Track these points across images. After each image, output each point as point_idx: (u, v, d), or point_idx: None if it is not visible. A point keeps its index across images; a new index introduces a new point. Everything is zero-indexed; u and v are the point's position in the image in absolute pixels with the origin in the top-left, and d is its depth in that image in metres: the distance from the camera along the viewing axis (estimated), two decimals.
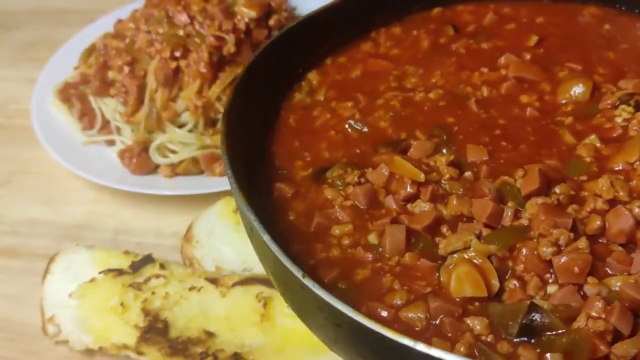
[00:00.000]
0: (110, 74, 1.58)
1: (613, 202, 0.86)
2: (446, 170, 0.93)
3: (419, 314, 0.78)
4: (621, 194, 0.86)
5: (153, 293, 1.20)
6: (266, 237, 0.80)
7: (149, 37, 1.53)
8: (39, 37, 2.04)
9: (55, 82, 1.68)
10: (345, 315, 0.72)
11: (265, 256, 0.86)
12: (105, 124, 1.59)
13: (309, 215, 0.93)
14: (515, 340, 0.76)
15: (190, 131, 1.51)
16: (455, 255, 0.83)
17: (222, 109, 1.49)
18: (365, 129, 1.04)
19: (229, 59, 1.52)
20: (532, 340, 0.75)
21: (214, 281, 1.21)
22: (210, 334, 1.15)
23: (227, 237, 1.31)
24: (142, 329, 1.16)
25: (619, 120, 0.98)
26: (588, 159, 0.93)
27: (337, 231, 0.90)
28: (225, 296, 1.19)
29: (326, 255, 0.87)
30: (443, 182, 0.92)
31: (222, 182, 1.46)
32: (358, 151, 1.01)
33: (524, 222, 0.85)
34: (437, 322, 0.78)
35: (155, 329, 1.16)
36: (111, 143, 1.58)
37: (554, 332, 0.75)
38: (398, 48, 1.20)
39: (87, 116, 1.61)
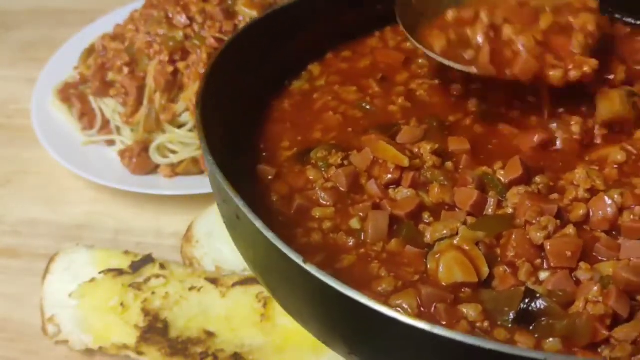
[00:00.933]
0: (110, 75, 1.58)
1: (591, 191, 0.87)
2: (429, 158, 0.93)
3: (409, 301, 0.77)
4: (598, 182, 0.87)
5: (153, 293, 1.20)
6: (259, 224, 0.77)
7: (148, 38, 1.53)
8: (39, 37, 2.04)
9: (55, 82, 1.68)
10: (354, 300, 0.69)
11: (253, 245, 0.84)
12: (105, 124, 1.59)
13: (290, 197, 0.92)
14: (511, 326, 0.75)
15: (190, 131, 1.51)
16: (442, 242, 0.82)
17: None
18: (373, 109, 1.04)
19: None
20: (530, 327, 0.75)
21: (214, 281, 1.21)
22: (210, 334, 1.15)
23: (227, 237, 1.30)
24: (142, 329, 1.16)
25: None
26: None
27: (317, 214, 0.89)
28: (225, 296, 1.19)
29: (307, 241, 0.86)
30: (425, 168, 0.92)
31: None
32: (350, 130, 1.01)
33: (508, 210, 0.86)
34: (431, 309, 0.77)
35: (155, 329, 1.16)
36: (111, 143, 1.58)
37: (550, 318, 0.75)
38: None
39: (87, 116, 1.61)
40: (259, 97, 1.08)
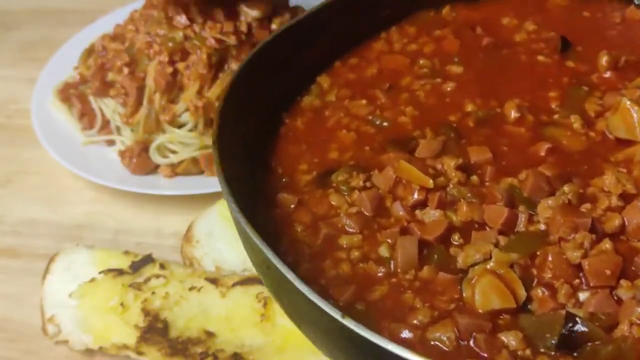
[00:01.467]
0: (110, 75, 1.58)
1: (624, 197, 0.84)
2: (454, 175, 0.89)
3: (447, 334, 0.74)
4: (628, 187, 0.84)
5: (153, 293, 1.20)
6: (292, 277, 0.73)
7: (147, 39, 1.53)
8: (39, 37, 2.04)
9: (55, 82, 1.68)
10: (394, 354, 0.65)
11: (286, 294, 0.79)
12: (105, 124, 1.59)
13: (315, 226, 0.88)
14: (554, 353, 0.72)
15: (190, 131, 1.51)
16: (476, 268, 0.79)
17: None
18: (385, 124, 1.01)
19: (230, 59, 1.52)
20: (575, 353, 0.72)
21: (214, 281, 1.21)
22: (210, 334, 1.15)
23: (227, 237, 1.31)
24: (142, 329, 1.16)
25: None
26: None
27: (345, 242, 0.86)
28: (225, 296, 1.19)
29: (336, 273, 0.83)
30: (451, 186, 0.88)
31: None
32: (367, 148, 0.98)
33: (540, 226, 0.83)
34: (470, 341, 0.74)
35: (155, 329, 1.16)
36: (111, 143, 1.58)
37: (594, 342, 0.72)
38: (416, 44, 1.17)
39: (87, 116, 1.61)
40: (272, 115, 1.06)
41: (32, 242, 1.45)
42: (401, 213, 0.87)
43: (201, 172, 1.51)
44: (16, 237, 1.47)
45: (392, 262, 0.83)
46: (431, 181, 0.88)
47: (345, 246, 0.86)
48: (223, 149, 0.88)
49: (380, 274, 0.82)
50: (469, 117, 1.01)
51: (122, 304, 1.19)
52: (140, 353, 1.14)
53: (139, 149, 1.50)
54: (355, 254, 0.84)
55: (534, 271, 0.79)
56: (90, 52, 1.70)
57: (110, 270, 1.24)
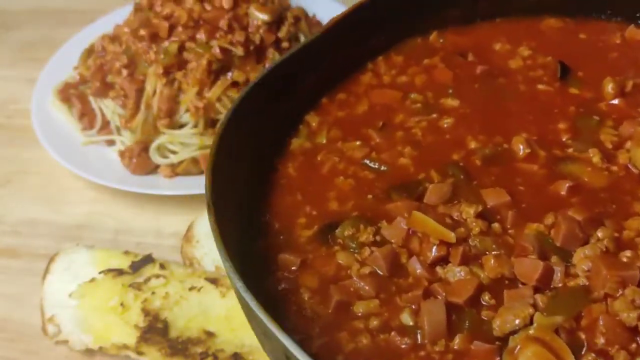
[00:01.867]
0: (110, 77, 1.58)
1: None
2: (475, 224, 0.82)
3: None
4: None
5: (153, 293, 1.20)
6: None
7: (143, 44, 1.52)
8: (39, 37, 2.03)
9: (56, 82, 1.68)
10: None
11: None
12: (105, 124, 1.59)
13: (324, 291, 0.79)
14: None
15: (190, 132, 1.51)
16: (517, 336, 0.72)
17: (222, 110, 1.49)
18: (384, 168, 0.94)
19: (233, 68, 1.50)
20: None
21: (214, 281, 1.21)
22: (210, 334, 1.15)
23: None
24: (142, 329, 1.16)
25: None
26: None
27: (360, 309, 0.77)
28: (225, 296, 1.19)
29: (355, 347, 0.74)
30: (472, 238, 0.81)
31: None
32: (370, 197, 0.90)
33: (581, 280, 0.76)
34: None
35: (155, 329, 1.16)
36: (111, 143, 1.58)
37: None
38: (406, 75, 1.10)
39: (87, 116, 1.61)
40: (262, 162, 0.98)
41: (32, 242, 1.45)
42: (420, 271, 0.79)
43: (201, 172, 1.51)
44: (16, 237, 1.47)
45: (417, 331, 0.75)
46: (453, 235, 0.80)
47: (361, 314, 0.77)
48: (219, 214, 0.81)
49: (405, 346, 0.74)
50: (474, 155, 0.94)
51: (122, 304, 1.19)
52: (140, 353, 1.14)
53: (139, 149, 1.50)
54: (374, 322, 0.76)
55: (582, 335, 0.72)
56: (90, 52, 1.69)
57: (110, 270, 1.24)
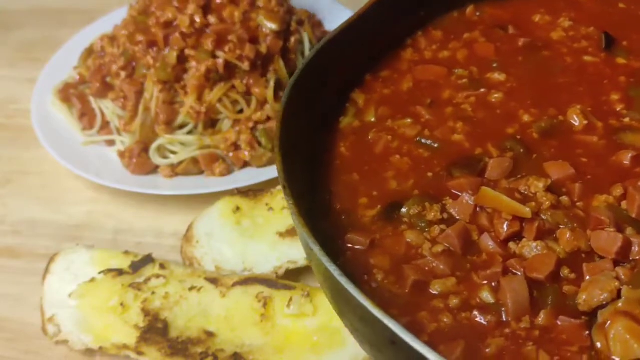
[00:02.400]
0: (109, 78, 1.58)
1: None
2: (545, 198, 0.81)
3: None
4: None
5: (153, 293, 1.20)
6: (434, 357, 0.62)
7: (141, 48, 1.51)
8: (39, 37, 2.03)
9: (56, 82, 1.68)
10: None
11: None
12: (106, 124, 1.59)
13: (397, 271, 0.78)
14: None
15: (189, 133, 1.50)
16: (605, 310, 0.70)
17: (223, 110, 1.49)
18: (438, 145, 0.93)
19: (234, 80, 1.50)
20: None
21: (214, 281, 1.21)
22: (210, 334, 1.15)
23: (227, 237, 1.31)
24: (142, 329, 1.16)
25: None
26: None
27: (438, 288, 0.76)
28: (225, 296, 1.19)
29: (437, 327, 0.73)
30: (543, 212, 0.80)
31: (222, 182, 1.46)
32: (430, 175, 0.89)
33: None
34: None
35: (155, 329, 1.16)
36: (111, 143, 1.58)
37: None
38: (447, 50, 1.10)
39: (87, 116, 1.61)
40: (314, 142, 0.96)
41: (32, 242, 1.45)
42: (493, 248, 0.79)
43: (201, 172, 1.51)
44: (16, 237, 1.47)
45: (501, 309, 0.74)
46: (528, 210, 0.79)
47: (438, 293, 0.76)
48: (296, 197, 0.79)
49: (488, 324, 0.73)
50: (530, 129, 0.93)
51: (122, 304, 1.19)
52: (140, 353, 1.14)
53: (139, 150, 1.50)
54: (454, 301, 0.75)
55: None
56: (90, 52, 1.70)
57: (110, 270, 1.24)
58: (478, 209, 0.82)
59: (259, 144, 1.50)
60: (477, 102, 1.00)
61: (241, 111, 1.51)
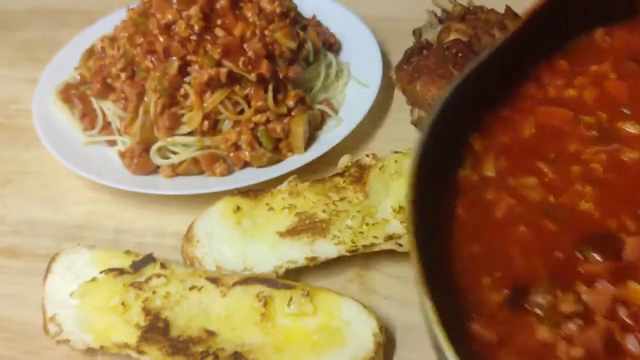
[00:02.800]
0: (110, 79, 1.58)
1: None
2: None
3: None
4: None
5: (154, 292, 1.21)
6: None
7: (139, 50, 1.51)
8: (40, 37, 2.03)
9: (57, 82, 1.69)
10: None
11: None
12: (107, 124, 1.59)
13: None
14: None
15: (189, 134, 1.51)
16: None
17: (224, 111, 1.49)
18: (562, 213, 0.78)
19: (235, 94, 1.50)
20: None
21: (214, 281, 1.22)
22: (210, 333, 1.15)
23: (227, 236, 1.31)
24: (143, 328, 1.16)
25: None
26: None
27: None
28: (226, 295, 1.19)
29: None
30: None
31: (222, 182, 1.47)
32: (560, 256, 0.75)
33: None
34: None
35: (156, 328, 1.16)
36: (112, 143, 1.58)
37: None
38: (573, 88, 0.92)
39: (88, 116, 1.61)
40: (431, 198, 0.80)
41: (33, 242, 1.45)
42: (639, 352, 0.67)
43: (202, 172, 1.51)
44: (17, 237, 1.47)
45: None
46: None
47: None
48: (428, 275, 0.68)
49: None
50: None
51: (123, 304, 1.19)
52: (141, 352, 1.15)
53: (139, 150, 1.50)
54: None
55: None
56: (91, 52, 1.70)
57: (111, 270, 1.25)
58: (615, 299, 0.71)
59: (260, 144, 1.50)
60: (608, 160, 0.83)
61: (242, 112, 1.51)
